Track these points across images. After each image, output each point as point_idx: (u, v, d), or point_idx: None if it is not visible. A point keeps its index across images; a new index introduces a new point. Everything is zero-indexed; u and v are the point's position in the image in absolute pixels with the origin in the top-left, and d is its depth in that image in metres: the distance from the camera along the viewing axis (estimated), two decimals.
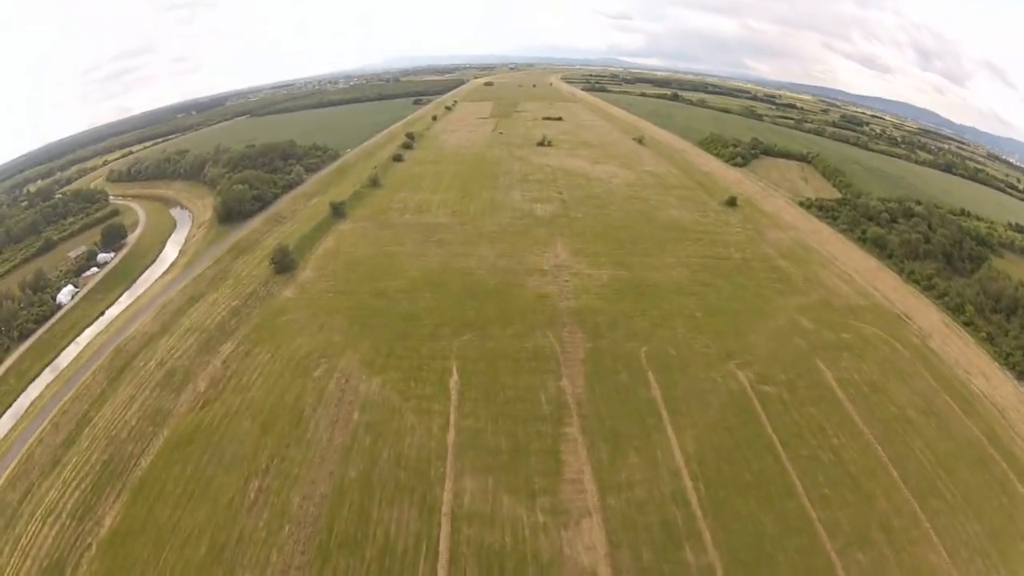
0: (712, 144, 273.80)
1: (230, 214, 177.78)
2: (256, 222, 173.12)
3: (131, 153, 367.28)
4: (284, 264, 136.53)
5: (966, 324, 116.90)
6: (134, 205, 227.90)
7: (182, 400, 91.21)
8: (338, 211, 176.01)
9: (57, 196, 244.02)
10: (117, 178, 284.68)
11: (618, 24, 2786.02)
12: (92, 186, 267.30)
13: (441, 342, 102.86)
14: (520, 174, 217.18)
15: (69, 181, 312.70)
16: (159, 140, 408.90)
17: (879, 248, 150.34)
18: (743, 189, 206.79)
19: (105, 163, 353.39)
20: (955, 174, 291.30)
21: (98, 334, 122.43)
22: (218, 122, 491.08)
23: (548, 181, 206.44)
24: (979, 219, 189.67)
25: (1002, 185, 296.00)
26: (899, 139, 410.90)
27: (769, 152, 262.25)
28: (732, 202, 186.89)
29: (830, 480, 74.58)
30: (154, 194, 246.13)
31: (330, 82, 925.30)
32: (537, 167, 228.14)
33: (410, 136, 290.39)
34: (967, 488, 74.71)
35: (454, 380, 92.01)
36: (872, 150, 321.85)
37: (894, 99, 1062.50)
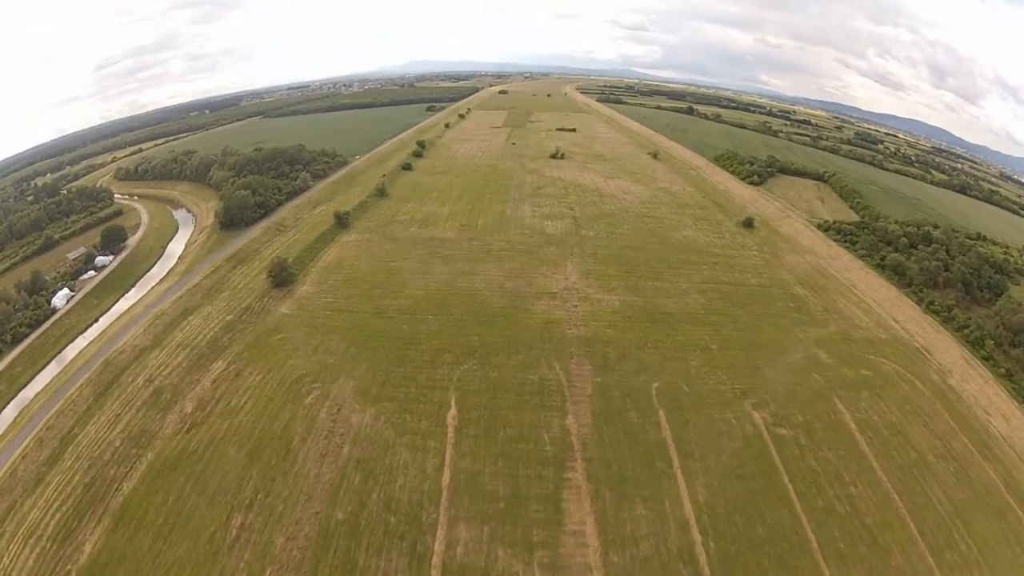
0: (728, 161, 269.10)
1: (232, 220, 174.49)
2: (258, 230, 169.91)
3: (140, 151, 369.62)
4: (282, 278, 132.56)
5: (985, 359, 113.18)
6: (138, 206, 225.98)
7: (168, 422, 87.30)
8: (342, 221, 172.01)
9: (62, 192, 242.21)
10: (124, 176, 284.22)
11: (634, 35, 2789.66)
12: (99, 184, 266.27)
13: (441, 370, 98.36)
14: (532, 187, 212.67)
15: (77, 176, 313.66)
16: (170, 138, 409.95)
17: (898, 275, 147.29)
18: (759, 209, 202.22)
19: (114, 159, 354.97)
20: (970, 195, 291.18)
21: (90, 343, 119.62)
22: (231, 122, 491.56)
23: (560, 196, 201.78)
24: (995, 243, 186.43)
25: (1016, 207, 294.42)
26: (913, 158, 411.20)
27: (785, 170, 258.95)
28: (749, 223, 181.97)
29: (846, 534, 70.64)
30: (159, 194, 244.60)
31: (345, 85, 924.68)
32: (549, 180, 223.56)
33: (421, 144, 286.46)
34: (983, 540, 71.87)
35: (452, 414, 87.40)
36: (887, 169, 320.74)
37: (907, 116, 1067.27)
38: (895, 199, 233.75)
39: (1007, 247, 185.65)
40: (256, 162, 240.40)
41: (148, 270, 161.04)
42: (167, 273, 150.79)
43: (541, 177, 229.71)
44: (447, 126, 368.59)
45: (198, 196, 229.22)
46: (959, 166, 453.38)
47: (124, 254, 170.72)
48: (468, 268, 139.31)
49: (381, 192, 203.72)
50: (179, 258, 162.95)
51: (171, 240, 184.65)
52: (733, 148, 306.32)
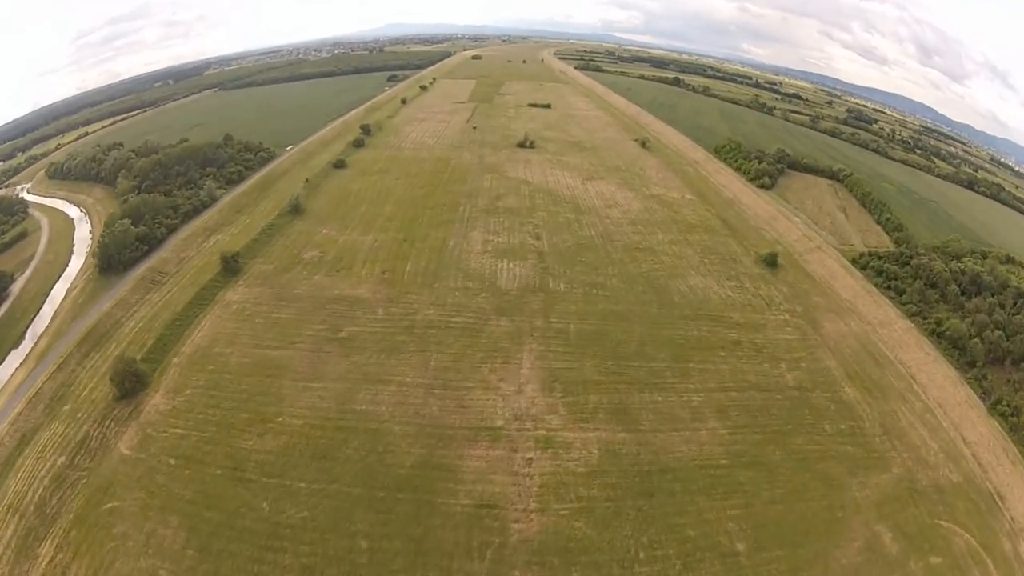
0: (731, 154, 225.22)
1: (110, 263, 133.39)
2: (132, 279, 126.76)
3: (86, 133, 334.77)
4: (128, 386, 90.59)
5: None
6: (45, 223, 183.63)
7: None
8: (231, 266, 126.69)
9: None
10: (54, 174, 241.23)
11: (616, 0, 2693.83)
12: (17, 190, 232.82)
13: None
14: (488, 196, 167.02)
15: (17, 171, 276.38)
16: (118, 118, 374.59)
17: (958, 350, 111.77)
18: (780, 231, 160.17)
19: (58, 147, 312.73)
20: (977, 191, 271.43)
21: None
22: (185, 96, 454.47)
23: (524, 213, 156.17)
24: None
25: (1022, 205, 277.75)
26: (910, 142, 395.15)
27: (795, 166, 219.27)
28: (771, 260, 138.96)
29: None
30: (77, 199, 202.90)
31: (315, 50, 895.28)
32: (512, 185, 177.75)
33: (365, 129, 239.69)
34: None
35: None
36: (893, 159, 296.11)
37: (890, 91, 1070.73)
38: (914, 203, 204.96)
39: None
40: (164, 166, 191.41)
41: (18, 339, 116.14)
42: (26, 356, 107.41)
43: (502, 179, 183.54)
44: (404, 101, 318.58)
45: (105, 208, 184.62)
46: (953, 150, 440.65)
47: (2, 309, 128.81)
48: (375, 367, 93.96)
49: (295, 209, 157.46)
50: (47, 326, 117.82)
51: (58, 280, 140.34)
52: (732, 133, 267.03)
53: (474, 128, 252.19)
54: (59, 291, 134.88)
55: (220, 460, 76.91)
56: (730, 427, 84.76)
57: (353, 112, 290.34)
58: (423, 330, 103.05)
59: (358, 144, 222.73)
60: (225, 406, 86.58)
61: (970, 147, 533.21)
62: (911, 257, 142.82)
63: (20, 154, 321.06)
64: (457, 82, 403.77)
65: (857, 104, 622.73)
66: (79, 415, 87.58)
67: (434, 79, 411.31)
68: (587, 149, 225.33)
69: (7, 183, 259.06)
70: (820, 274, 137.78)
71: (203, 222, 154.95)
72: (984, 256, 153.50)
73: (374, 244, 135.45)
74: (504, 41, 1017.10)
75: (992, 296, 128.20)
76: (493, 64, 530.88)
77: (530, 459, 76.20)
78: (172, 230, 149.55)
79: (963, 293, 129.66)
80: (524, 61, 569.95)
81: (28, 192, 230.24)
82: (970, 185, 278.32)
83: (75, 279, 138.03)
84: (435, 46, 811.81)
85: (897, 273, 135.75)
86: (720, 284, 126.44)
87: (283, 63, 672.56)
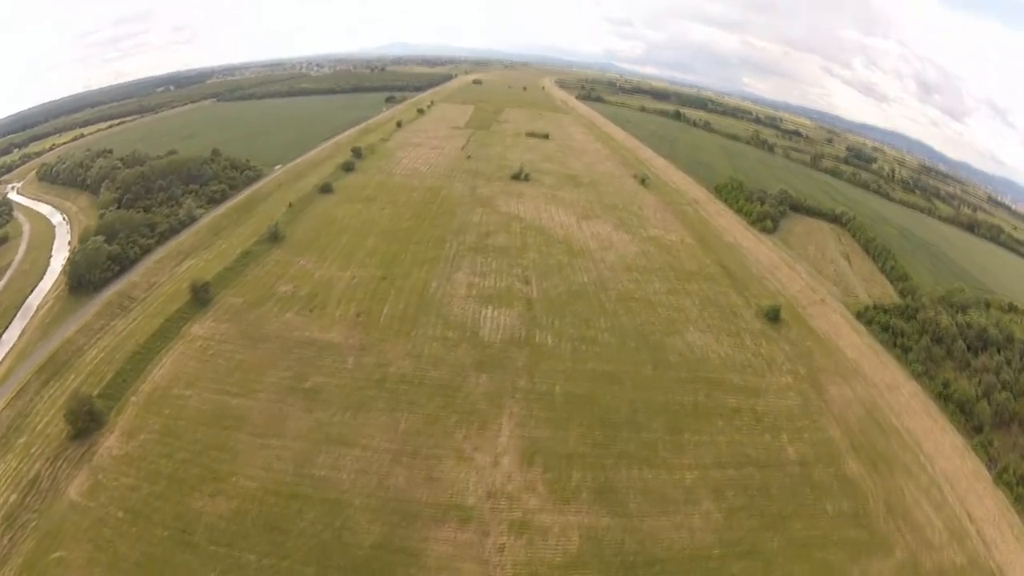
0: (732, 194, 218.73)
1: (80, 282, 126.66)
2: (101, 301, 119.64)
3: (82, 135, 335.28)
4: (82, 425, 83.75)
5: None
6: (27, 229, 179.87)
7: None
8: (200, 296, 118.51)
9: None
10: (44, 175, 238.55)
11: (619, 30, 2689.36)
12: (8, 188, 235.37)
13: None
14: (478, 233, 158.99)
15: (10, 168, 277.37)
16: (114, 122, 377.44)
17: (964, 414, 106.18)
18: (782, 280, 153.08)
19: (53, 147, 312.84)
20: (977, 234, 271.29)
21: None
22: (183, 104, 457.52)
23: (514, 253, 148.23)
24: None
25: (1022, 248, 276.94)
26: (909, 181, 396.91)
27: (797, 207, 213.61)
28: (774, 314, 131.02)
29: None
30: (63, 206, 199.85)
31: (317, 65, 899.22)
32: (504, 221, 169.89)
33: (357, 152, 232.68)
34: None
35: None
36: (893, 200, 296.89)
37: (888, 128, 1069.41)
38: (916, 247, 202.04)
39: None
40: (147, 179, 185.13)
41: None
42: None
43: (494, 213, 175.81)
44: (399, 124, 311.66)
45: (87, 217, 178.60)
46: (952, 190, 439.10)
47: None
48: (339, 427, 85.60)
49: (274, 235, 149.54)
50: (13, 344, 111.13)
51: (31, 293, 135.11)
52: (733, 171, 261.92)
53: (468, 157, 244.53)
54: (32, 303, 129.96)
55: (169, 520, 69.89)
56: (725, 510, 76.83)
57: (347, 132, 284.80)
58: (395, 385, 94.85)
59: (348, 167, 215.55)
60: (179, 457, 79.22)
61: (968, 186, 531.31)
62: (917, 311, 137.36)
63: (16, 150, 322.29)
64: (455, 106, 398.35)
65: (856, 141, 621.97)
66: (33, 450, 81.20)
67: (432, 102, 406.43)
68: (584, 184, 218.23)
69: None
70: (824, 330, 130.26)
71: (178, 244, 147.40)
72: (987, 305, 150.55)
73: (352, 281, 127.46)
74: (507, 66, 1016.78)
75: (999, 352, 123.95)
76: (493, 89, 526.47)
77: (502, 546, 68.08)
78: (147, 251, 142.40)
79: (969, 348, 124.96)
80: (525, 88, 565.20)
81: (17, 192, 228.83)
82: (970, 228, 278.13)
83: (47, 295, 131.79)
84: (437, 68, 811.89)
85: (903, 329, 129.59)
86: (719, 341, 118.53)
87: (284, 77, 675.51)
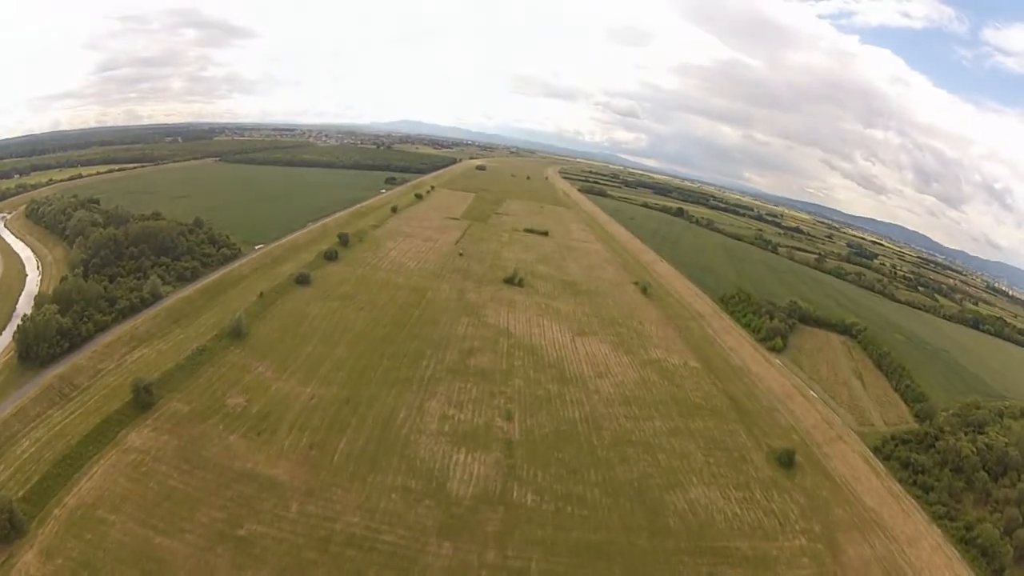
0: (740, 308, 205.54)
1: (29, 353, 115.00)
2: (40, 384, 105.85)
3: (80, 176, 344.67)
4: (1, 531, 73.71)
5: None
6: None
7: None
8: (142, 399, 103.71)
9: None
10: (31, 213, 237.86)
11: (625, 121, 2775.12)
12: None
13: None
14: (460, 351, 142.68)
15: (5, 196, 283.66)
16: (116, 167, 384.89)
17: (986, 556, 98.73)
18: (796, 412, 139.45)
19: (50, 182, 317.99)
20: (982, 330, 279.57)
21: None
22: (186, 159, 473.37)
23: (498, 378, 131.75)
24: None
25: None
26: (911, 277, 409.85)
27: (807, 319, 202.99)
28: (787, 459, 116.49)
29: None
30: (40, 251, 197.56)
31: (326, 135, 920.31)
32: (490, 337, 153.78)
33: (343, 239, 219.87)
34: None
35: None
36: (898, 300, 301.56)
37: (886, 220, 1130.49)
38: (927, 357, 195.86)
39: None
40: (119, 244, 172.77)
41: None
42: None
43: (481, 326, 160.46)
44: (394, 210, 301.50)
45: (59, 271, 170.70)
46: (952, 282, 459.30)
47: None
48: None
49: (236, 332, 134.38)
50: None
51: None
52: (738, 278, 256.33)
53: (460, 254, 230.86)
54: None
55: None
56: None
57: (338, 214, 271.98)
58: (340, 548, 77.88)
59: (330, 256, 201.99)
60: None
61: (967, 275, 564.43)
62: (936, 438, 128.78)
63: (16, 176, 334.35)
64: (455, 194, 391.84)
65: (856, 237, 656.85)
66: None
67: (432, 187, 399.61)
68: (582, 292, 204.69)
69: None
70: (842, 474, 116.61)
71: (134, 327, 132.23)
72: (1001, 415, 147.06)
73: (310, 401, 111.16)
74: (512, 152, 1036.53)
75: (1020, 477, 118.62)
76: (496, 177, 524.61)
77: None
78: (102, 328, 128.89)
79: (990, 474, 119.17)
80: (528, 177, 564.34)
81: (3, 224, 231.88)
82: (975, 324, 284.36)
83: None
84: (444, 150, 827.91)
85: (923, 464, 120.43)
86: (726, 496, 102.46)
87: (290, 144, 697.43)
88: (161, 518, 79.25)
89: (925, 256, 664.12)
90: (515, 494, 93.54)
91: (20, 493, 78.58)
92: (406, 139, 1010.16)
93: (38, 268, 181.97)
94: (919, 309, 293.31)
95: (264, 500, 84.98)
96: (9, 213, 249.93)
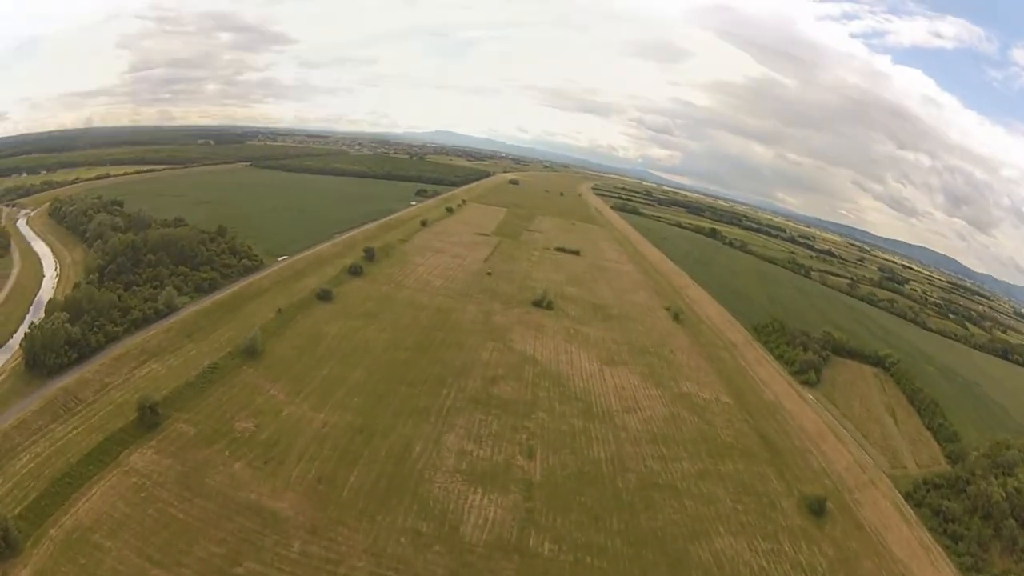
0: (773, 338, 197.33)
1: (36, 362, 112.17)
2: (44, 395, 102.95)
3: (108, 175, 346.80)
4: None
5: None
6: (15, 272, 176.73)
7: None
8: (147, 419, 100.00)
9: None
10: (53, 212, 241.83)
11: (658, 138, 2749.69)
12: (19, 215, 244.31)
13: None
14: (483, 378, 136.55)
15: (29, 191, 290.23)
16: (144, 168, 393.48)
17: None
18: (828, 454, 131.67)
19: (76, 180, 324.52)
20: (1011, 360, 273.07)
21: None
22: (217, 163, 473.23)
23: (522, 410, 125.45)
24: None
25: None
26: (942, 303, 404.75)
27: (840, 350, 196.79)
28: (818, 506, 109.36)
29: None
30: (60, 253, 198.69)
31: (359, 144, 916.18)
32: (515, 364, 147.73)
33: (369, 253, 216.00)
34: None
35: None
36: (929, 328, 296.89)
37: (916, 243, 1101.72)
38: (957, 389, 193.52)
39: None
40: (137, 251, 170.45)
41: None
42: None
43: (506, 351, 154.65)
44: (424, 223, 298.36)
45: (76, 274, 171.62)
46: (981, 308, 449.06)
47: None
48: None
49: (251, 349, 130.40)
50: None
51: None
52: (770, 304, 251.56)
53: (489, 273, 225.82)
54: None
55: None
56: None
57: (366, 226, 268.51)
58: None
59: (355, 271, 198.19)
60: None
61: (994, 301, 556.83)
62: (967, 483, 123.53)
63: (44, 172, 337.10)
64: (487, 208, 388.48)
65: (886, 260, 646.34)
66: None
67: (464, 201, 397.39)
68: (612, 317, 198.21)
69: (14, 202, 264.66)
70: (872, 523, 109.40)
71: (145, 339, 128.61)
72: None
73: (322, 428, 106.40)
74: (546, 167, 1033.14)
75: None
76: (529, 192, 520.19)
77: None
78: (112, 339, 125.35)
79: (1017, 520, 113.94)
80: (561, 193, 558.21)
81: (26, 222, 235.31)
82: (1004, 354, 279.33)
83: (4, 363, 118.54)
84: (477, 162, 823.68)
85: (954, 512, 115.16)
86: (753, 548, 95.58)
87: (322, 152, 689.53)
88: (158, 548, 75.27)
89: (955, 280, 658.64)
90: (532, 542, 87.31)
91: (17, 510, 76.02)
92: (440, 150, 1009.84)
93: (56, 270, 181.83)
94: (950, 338, 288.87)
95: (266, 536, 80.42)
96: (33, 210, 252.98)
